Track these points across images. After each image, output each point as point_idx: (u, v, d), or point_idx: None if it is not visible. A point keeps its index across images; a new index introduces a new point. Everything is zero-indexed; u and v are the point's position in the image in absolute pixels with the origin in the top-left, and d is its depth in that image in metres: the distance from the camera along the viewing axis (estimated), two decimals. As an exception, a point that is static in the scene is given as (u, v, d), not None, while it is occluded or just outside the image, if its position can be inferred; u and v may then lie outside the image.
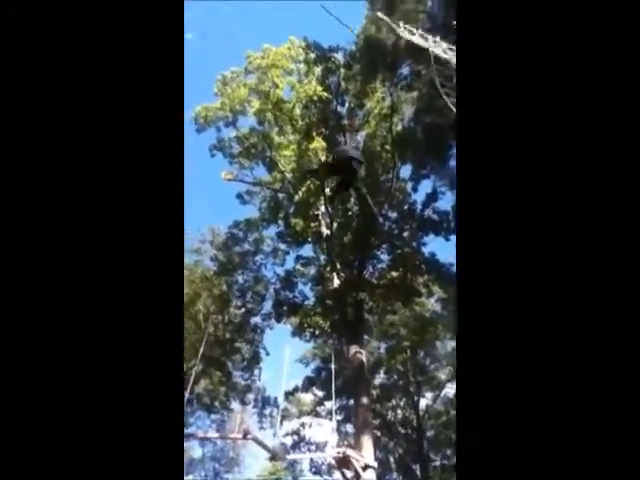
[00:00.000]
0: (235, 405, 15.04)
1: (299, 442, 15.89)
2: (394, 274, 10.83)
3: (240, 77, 10.41)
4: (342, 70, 10.14)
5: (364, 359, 10.11)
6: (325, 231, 10.48)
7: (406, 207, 11.77)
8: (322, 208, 10.47)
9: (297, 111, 9.86)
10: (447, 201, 11.47)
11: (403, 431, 16.94)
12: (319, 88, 9.15)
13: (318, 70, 9.84)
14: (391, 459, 17.27)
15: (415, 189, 11.77)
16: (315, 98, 9.23)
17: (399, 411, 17.51)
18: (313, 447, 15.56)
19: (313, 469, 17.34)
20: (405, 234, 11.69)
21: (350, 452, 8.51)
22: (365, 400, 9.52)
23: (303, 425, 16.35)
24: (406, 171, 11.73)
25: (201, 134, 10.78)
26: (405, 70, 10.84)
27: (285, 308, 10.99)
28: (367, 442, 8.66)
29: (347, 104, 11.09)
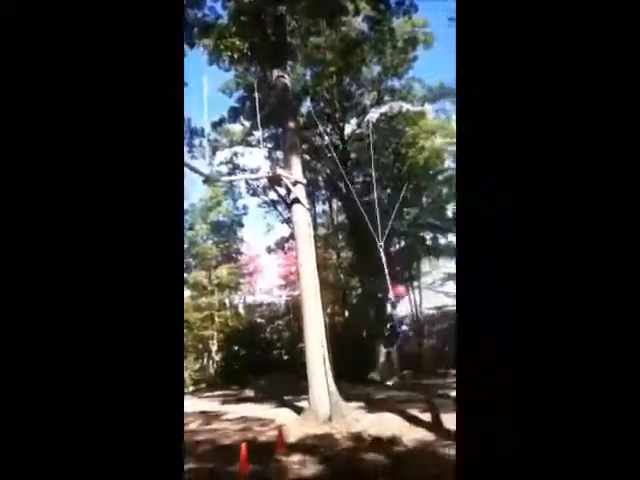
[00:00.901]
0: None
1: (234, 170, 17.20)
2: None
3: None
4: None
5: (288, 83, 9.86)
6: None
7: None
8: None
9: None
10: None
11: (329, 155, 18.59)
12: None
13: None
14: (320, 178, 19.57)
15: None
16: None
17: (325, 137, 18.71)
18: (247, 172, 17.03)
19: (250, 191, 19.53)
20: None
21: (280, 171, 9.40)
22: (292, 125, 9.83)
23: (235, 154, 17.35)
24: None
25: None
26: None
27: (195, 30, 9.62)
28: (296, 164, 9.45)
29: None
